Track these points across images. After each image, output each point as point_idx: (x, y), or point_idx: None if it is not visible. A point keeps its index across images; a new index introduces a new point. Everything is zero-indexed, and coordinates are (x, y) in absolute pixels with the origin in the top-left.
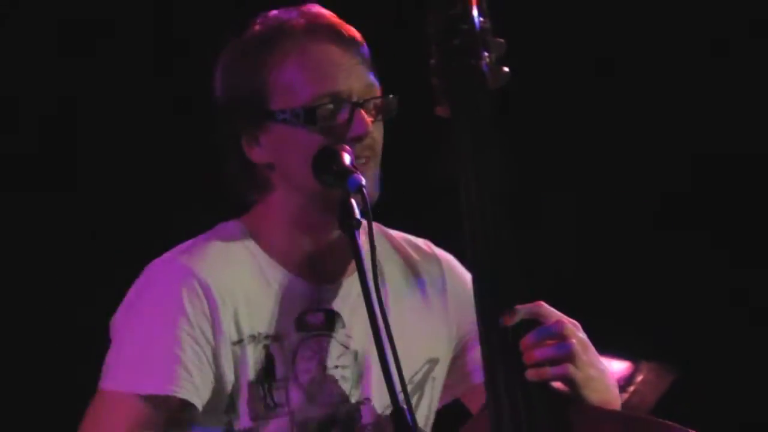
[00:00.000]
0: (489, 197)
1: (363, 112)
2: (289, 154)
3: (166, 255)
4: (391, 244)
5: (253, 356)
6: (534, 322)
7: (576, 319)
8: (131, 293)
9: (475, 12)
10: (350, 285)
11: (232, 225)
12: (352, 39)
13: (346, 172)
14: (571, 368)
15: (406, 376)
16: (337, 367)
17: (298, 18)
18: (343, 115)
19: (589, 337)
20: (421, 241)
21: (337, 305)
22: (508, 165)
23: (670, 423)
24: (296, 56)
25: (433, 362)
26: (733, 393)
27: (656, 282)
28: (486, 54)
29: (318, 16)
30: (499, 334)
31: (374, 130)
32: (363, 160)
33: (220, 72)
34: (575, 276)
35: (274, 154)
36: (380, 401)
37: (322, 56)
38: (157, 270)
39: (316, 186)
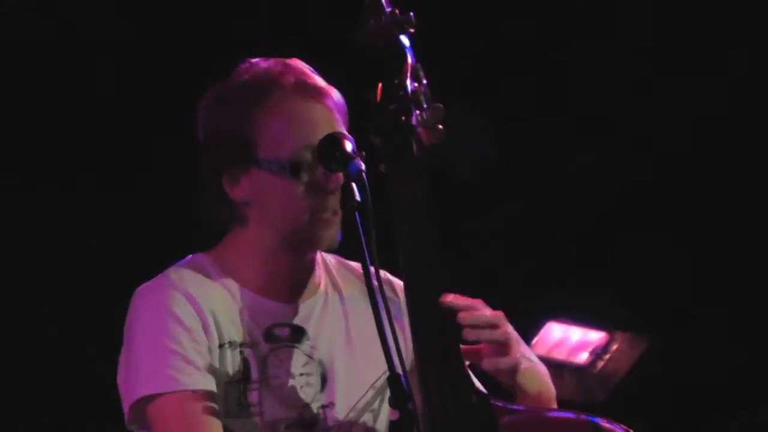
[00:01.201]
0: (420, 236)
1: None
2: (270, 197)
3: (148, 282)
4: (351, 272)
5: (231, 359)
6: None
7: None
8: (128, 315)
9: (407, 79)
10: (313, 303)
11: (201, 256)
12: (334, 97)
13: (347, 158)
14: (509, 330)
15: (370, 381)
16: (302, 374)
17: (287, 74)
18: (320, 171)
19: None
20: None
21: (302, 321)
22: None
23: (581, 416)
24: (286, 112)
25: None
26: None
27: (633, 258)
28: (419, 113)
29: (304, 74)
30: (428, 314)
31: None
32: (331, 213)
33: (206, 113)
34: (555, 252)
35: (254, 195)
36: (343, 406)
37: (307, 114)
38: (144, 290)
39: (291, 226)
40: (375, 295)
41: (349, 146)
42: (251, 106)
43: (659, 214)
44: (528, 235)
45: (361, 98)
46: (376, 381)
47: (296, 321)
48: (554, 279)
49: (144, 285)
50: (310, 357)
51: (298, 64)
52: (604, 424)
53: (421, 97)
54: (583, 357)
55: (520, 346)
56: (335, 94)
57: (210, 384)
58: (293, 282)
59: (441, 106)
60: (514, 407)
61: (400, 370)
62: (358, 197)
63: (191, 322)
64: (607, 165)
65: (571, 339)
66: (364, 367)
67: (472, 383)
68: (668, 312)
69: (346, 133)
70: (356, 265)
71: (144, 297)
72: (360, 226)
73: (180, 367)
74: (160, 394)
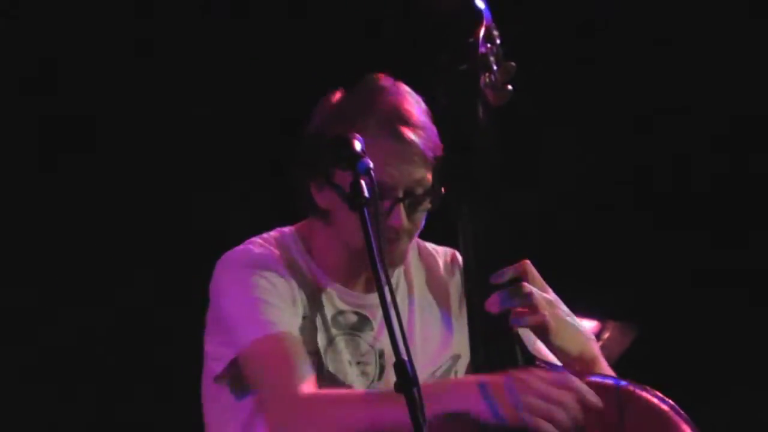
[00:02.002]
0: (481, 197)
1: (402, 206)
2: (339, 216)
3: (237, 248)
4: (418, 255)
5: (306, 332)
6: None
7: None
8: (214, 280)
9: (479, 40)
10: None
11: (289, 231)
12: (419, 141)
13: (356, 157)
14: (548, 315)
15: (429, 370)
16: (359, 363)
17: (382, 108)
18: (386, 205)
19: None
20: (449, 252)
21: (369, 311)
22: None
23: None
24: (368, 146)
25: (455, 358)
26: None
27: (623, 249)
28: (487, 74)
29: (400, 111)
30: (480, 296)
31: (412, 221)
32: (395, 237)
33: (314, 115)
34: (550, 241)
35: (329, 207)
36: None
37: (384, 153)
38: (229, 255)
39: (355, 247)
40: (382, 285)
41: (358, 145)
42: (342, 127)
43: (654, 206)
44: (524, 229)
45: (431, 58)
46: (437, 369)
47: (363, 310)
48: (551, 272)
49: (228, 252)
50: (371, 347)
51: (400, 98)
52: (641, 391)
53: (491, 59)
54: None
55: (554, 309)
56: (423, 138)
57: (298, 332)
58: (365, 275)
59: (513, 64)
60: (556, 369)
61: (405, 356)
62: (366, 193)
63: (277, 280)
64: (602, 158)
65: None
66: (422, 361)
67: (521, 345)
68: (659, 302)
69: (355, 134)
70: (435, 249)
71: (229, 261)
72: (367, 220)
73: (272, 313)
74: (254, 340)
